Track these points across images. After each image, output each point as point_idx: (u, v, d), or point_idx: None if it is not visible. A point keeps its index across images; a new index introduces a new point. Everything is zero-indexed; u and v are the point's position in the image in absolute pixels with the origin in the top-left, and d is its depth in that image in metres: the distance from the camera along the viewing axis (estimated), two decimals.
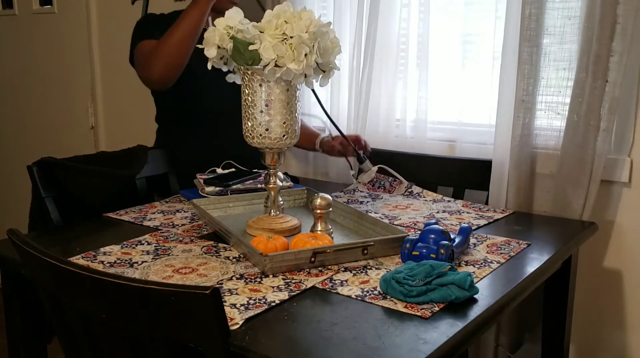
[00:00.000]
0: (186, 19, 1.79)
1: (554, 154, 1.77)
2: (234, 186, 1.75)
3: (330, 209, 1.45)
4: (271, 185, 1.52)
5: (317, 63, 1.39)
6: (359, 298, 1.14)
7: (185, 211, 1.71)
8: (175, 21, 1.82)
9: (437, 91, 2.02)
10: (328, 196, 1.45)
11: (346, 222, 1.58)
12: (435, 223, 1.39)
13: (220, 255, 1.36)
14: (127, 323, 0.97)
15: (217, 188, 1.74)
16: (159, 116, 2.10)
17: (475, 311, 1.10)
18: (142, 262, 1.32)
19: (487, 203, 1.84)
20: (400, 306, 1.11)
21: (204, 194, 1.73)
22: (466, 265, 1.31)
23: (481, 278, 1.24)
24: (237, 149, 1.87)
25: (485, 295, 1.16)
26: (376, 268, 1.29)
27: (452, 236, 1.34)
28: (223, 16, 1.44)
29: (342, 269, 1.28)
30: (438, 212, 1.71)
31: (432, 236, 1.29)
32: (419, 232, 1.33)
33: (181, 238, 1.48)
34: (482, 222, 1.62)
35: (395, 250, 1.35)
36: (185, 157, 2.01)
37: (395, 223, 1.60)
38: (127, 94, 2.91)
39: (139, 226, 1.59)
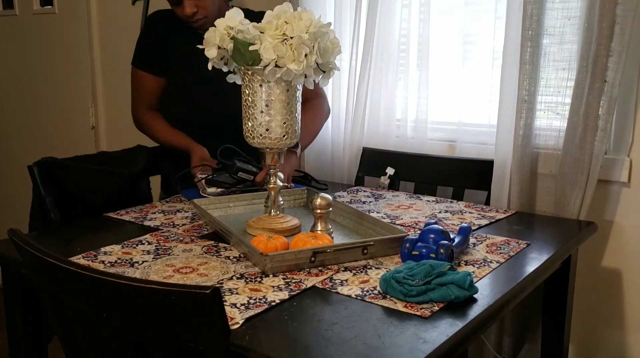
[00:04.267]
0: (168, 143, 1.95)
1: (554, 154, 1.77)
2: (235, 188, 1.75)
3: (330, 209, 1.45)
4: (271, 185, 1.53)
5: (317, 63, 1.39)
6: (359, 298, 1.15)
7: (185, 211, 1.71)
8: (184, 28, 1.90)
9: (437, 91, 2.03)
10: (328, 196, 1.45)
11: (346, 222, 1.59)
12: (435, 223, 1.39)
13: (220, 255, 1.37)
14: (127, 322, 0.97)
15: (219, 189, 1.74)
16: None
17: (475, 311, 1.10)
18: (143, 262, 1.33)
19: (487, 203, 1.85)
20: (400, 306, 1.11)
21: (205, 195, 1.73)
22: (466, 264, 1.31)
23: (481, 278, 1.24)
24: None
25: (485, 295, 1.16)
26: (376, 268, 1.29)
27: (451, 236, 1.34)
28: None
29: (342, 269, 1.29)
30: (440, 212, 1.71)
31: (432, 235, 1.30)
32: (419, 232, 1.34)
33: (182, 238, 1.48)
34: (484, 222, 1.62)
35: (395, 249, 1.35)
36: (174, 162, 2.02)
37: (397, 222, 1.60)
38: (127, 94, 2.91)
39: (139, 226, 1.59)
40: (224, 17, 1.45)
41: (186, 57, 1.95)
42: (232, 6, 1.51)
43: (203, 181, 1.77)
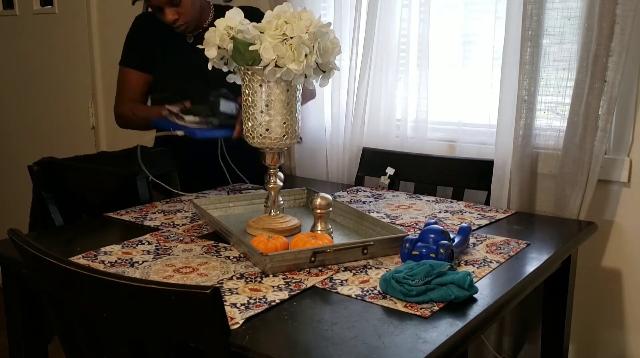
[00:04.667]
0: (146, 117, 1.93)
1: (554, 154, 1.77)
2: (216, 117, 1.72)
3: (330, 209, 1.45)
4: (271, 185, 1.53)
5: (317, 63, 1.39)
6: (359, 298, 1.15)
7: (185, 211, 1.71)
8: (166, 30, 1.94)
9: (437, 91, 2.03)
10: (328, 196, 1.45)
11: (346, 222, 1.59)
12: (435, 223, 1.39)
13: (220, 255, 1.37)
14: (127, 322, 0.97)
15: (197, 118, 1.72)
16: None
17: (475, 311, 1.10)
18: (143, 262, 1.33)
19: (487, 203, 1.85)
20: (400, 306, 1.11)
21: (181, 123, 1.71)
22: (466, 264, 1.32)
23: (481, 278, 1.24)
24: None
25: (485, 295, 1.16)
26: (376, 268, 1.29)
27: (451, 236, 1.34)
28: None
29: (342, 269, 1.29)
30: (440, 212, 1.71)
31: (432, 235, 1.30)
32: (419, 232, 1.34)
33: (182, 238, 1.48)
34: (484, 222, 1.62)
35: (395, 249, 1.35)
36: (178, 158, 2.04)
37: (397, 222, 1.60)
38: None
39: (139, 226, 1.59)
40: (206, 16, 1.47)
41: (172, 55, 2.00)
42: (232, 6, 1.51)
43: (175, 112, 1.75)
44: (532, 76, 1.73)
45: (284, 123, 1.45)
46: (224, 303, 1.09)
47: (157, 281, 0.94)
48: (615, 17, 1.57)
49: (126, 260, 1.34)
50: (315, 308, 1.12)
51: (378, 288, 1.18)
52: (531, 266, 1.33)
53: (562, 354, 1.71)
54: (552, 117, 1.77)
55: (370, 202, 1.81)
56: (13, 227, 1.09)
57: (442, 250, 1.25)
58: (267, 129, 1.45)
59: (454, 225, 1.58)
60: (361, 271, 1.27)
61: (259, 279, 1.23)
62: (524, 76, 1.73)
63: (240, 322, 1.04)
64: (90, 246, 1.41)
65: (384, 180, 2.01)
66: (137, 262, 1.32)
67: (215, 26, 1.44)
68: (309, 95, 2.09)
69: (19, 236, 1.06)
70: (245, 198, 1.72)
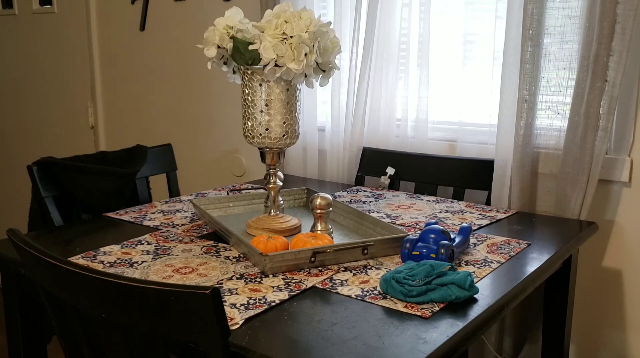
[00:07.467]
0: None
1: (555, 154, 1.77)
2: None
3: (330, 209, 1.45)
4: (271, 185, 1.52)
5: (317, 63, 1.39)
6: (359, 298, 1.14)
7: (185, 211, 1.71)
8: None
9: (437, 90, 2.02)
10: (328, 196, 1.45)
11: (346, 222, 1.58)
12: (436, 223, 1.39)
13: (220, 255, 1.36)
14: (126, 323, 0.97)
15: None
16: None
17: (476, 311, 1.10)
18: (142, 262, 1.32)
19: (487, 203, 1.84)
20: (400, 306, 1.11)
21: None
22: (466, 264, 1.31)
23: (481, 278, 1.24)
24: None
25: (486, 295, 1.16)
26: (376, 268, 1.29)
27: (452, 236, 1.34)
28: None
29: (342, 269, 1.28)
30: (441, 212, 1.70)
31: (432, 235, 1.29)
32: (420, 232, 1.33)
33: (181, 238, 1.48)
34: (485, 222, 1.62)
35: (395, 249, 1.35)
36: None
37: (398, 222, 1.60)
38: (126, 93, 2.91)
39: (139, 226, 1.59)
40: None
41: None
42: None
43: None
44: (532, 75, 1.73)
45: (284, 123, 1.44)
46: (224, 303, 1.09)
47: (157, 282, 0.94)
48: (616, 17, 1.56)
49: (125, 260, 1.33)
50: (315, 308, 1.12)
51: (378, 288, 1.18)
52: (532, 266, 1.32)
53: (563, 354, 1.71)
54: (553, 117, 1.77)
55: (370, 202, 1.81)
56: (12, 227, 1.09)
57: (442, 250, 1.25)
58: (266, 129, 1.44)
59: (454, 225, 1.58)
60: (361, 272, 1.27)
61: (258, 279, 1.22)
62: (525, 76, 1.73)
63: (240, 322, 1.04)
64: (90, 246, 1.41)
65: (384, 180, 2.00)
66: (136, 262, 1.32)
67: None
68: None
69: (18, 236, 1.06)
70: (245, 198, 1.71)
